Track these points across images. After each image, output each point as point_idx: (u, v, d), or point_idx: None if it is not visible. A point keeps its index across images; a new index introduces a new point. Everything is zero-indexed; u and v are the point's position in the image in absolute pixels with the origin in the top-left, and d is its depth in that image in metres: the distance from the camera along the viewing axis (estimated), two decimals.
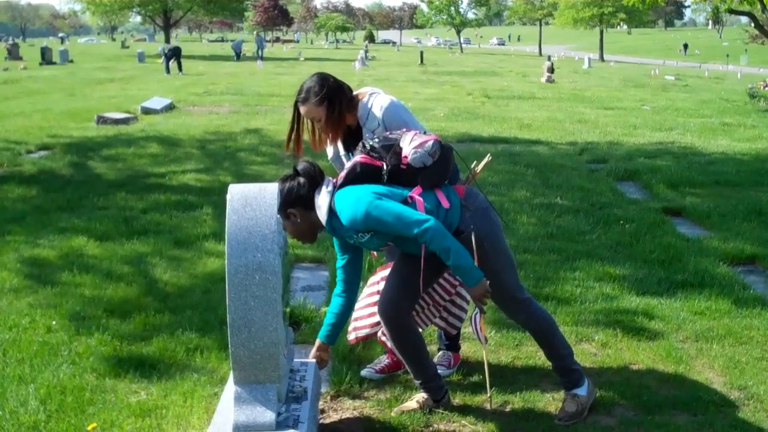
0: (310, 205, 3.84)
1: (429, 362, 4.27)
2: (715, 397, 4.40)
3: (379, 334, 4.40)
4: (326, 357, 4.23)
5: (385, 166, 3.90)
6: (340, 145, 4.50)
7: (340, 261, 4.12)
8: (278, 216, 3.40)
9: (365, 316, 4.33)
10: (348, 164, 3.98)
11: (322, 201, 3.81)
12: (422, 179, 3.88)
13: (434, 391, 4.23)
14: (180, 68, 35.45)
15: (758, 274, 6.86)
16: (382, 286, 4.23)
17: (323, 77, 4.30)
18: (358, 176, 3.87)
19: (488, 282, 3.76)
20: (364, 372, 4.63)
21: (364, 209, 3.69)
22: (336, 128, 4.33)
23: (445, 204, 3.88)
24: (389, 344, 4.41)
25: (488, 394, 3.97)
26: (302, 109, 4.30)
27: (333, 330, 4.17)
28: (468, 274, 3.72)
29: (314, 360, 4.12)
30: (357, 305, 4.36)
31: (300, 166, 3.87)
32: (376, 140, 3.98)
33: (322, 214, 3.80)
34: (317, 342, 4.21)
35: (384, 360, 4.70)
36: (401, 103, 4.42)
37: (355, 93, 4.41)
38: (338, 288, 4.15)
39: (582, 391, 4.17)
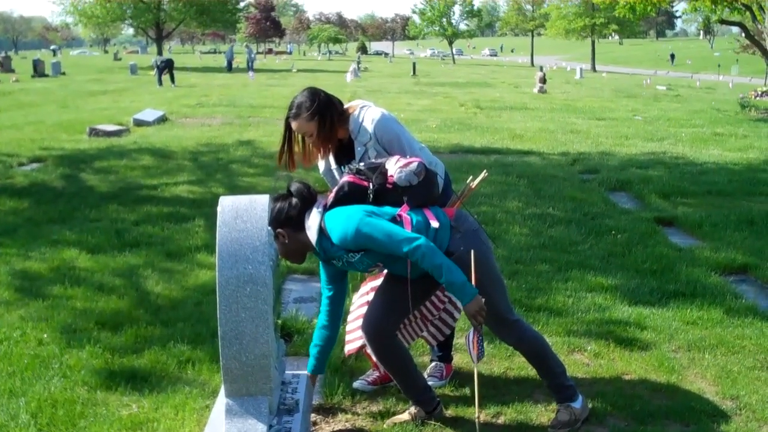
0: (300, 227, 3.85)
1: (417, 375, 4.26)
2: (707, 406, 4.40)
3: (366, 348, 4.39)
4: (313, 382, 4.25)
5: (371, 186, 3.92)
6: (331, 159, 4.50)
7: (326, 292, 4.15)
8: (269, 228, 3.40)
9: (357, 328, 4.32)
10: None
11: (312, 221, 3.82)
12: (409, 198, 3.90)
13: (426, 404, 4.22)
14: (173, 80, 35.43)
15: (750, 283, 6.87)
16: (371, 297, 4.24)
17: (314, 92, 4.30)
18: (347, 195, 3.89)
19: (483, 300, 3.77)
20: (356, 384, 4.62)
21: (355, 226, 3.70)
22: (327, 142, 4.34)
23: (434, 223, 3.88)
24: (374, 358, 4.41)
25: (476, 414, 3.95)
26: (294, 125, 4.29)
27: (320, 361, 4.20)
28: (462, 290, 3.72)
29: (306, 372, 4.12)
30: (349, 317, 4.36)
31: (293, 187, 3.88)
32: (362, 165, 4.02)
33: (312, 234, 3.81)
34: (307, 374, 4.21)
35: (376, 372, 4.69)
36: (392, 115, 4.42)
37: (345, 106, 4.41)
38: (322, 319, 4.17)
39: (576, 404, 4.17)
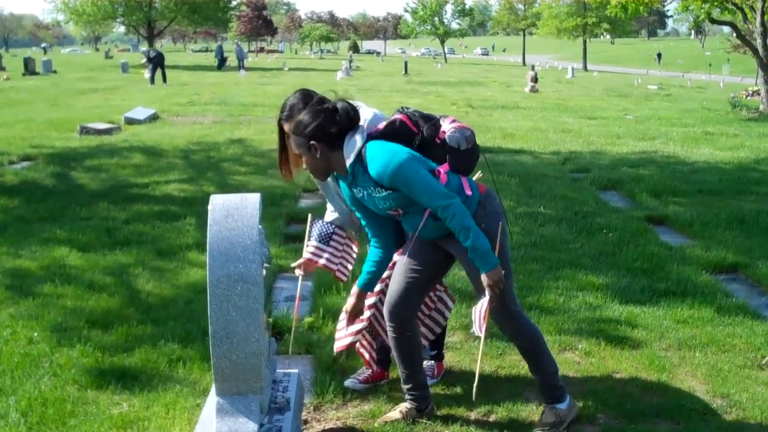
0: (336, 146, 3.80)
1: (422, 370, 4.27)
2: (697, 405, 4.42)
3: (357, 345, 4.39)
4: (360, 305, 4.20)
5: (421, 134, 3.88)
6: None
7: (362, 220, 4.12)
8: (260, 227, 3.39)
9: (346, 326, 4.31)
10: (326, 189, 4.02)
11: (353, 144, 3.77)
12: (451, 160, 3.86)
13: (420, 401, 4.22)
14: (164, 79, 35.33)
15: (740, 282, 6.89)
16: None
17: (306, 93, 4.26)
18: (395, 131, 3.85)
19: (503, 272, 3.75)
20: (347, 382, 4.62)
21: (397, 165, 3.66)
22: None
23: (468, 191, 3.88)
24: (366, 356, 4.40)
25: (475, 384, 3.92)
26: (286, 127, 4.22)
27: (371, 279, 4.17)
28: (486, 257, 3.72)
29: (296, 371, 4.11)
30: (341, 315, 4.35)
31: (339, 105, 3.82)
32: (414, 110, 3.96)
33: (349, 157, 3.77)
34: (355, 289, 4.21)
35: (367, 371, 4.69)
36: (383, 115, 4.40)
37: None
38: (371, 240, 4.18)
39: (562, 405, 4.15)
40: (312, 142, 3.77)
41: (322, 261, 4.51)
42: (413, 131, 3.88)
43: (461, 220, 3.68)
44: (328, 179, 4.36)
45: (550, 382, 4.17)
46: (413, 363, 4.21)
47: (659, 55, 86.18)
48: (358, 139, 3.79)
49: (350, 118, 3.82)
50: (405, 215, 3.94)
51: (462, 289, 6.25)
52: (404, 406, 4.25)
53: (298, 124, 3.80)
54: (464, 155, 3.90)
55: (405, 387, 4.26)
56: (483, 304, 3.85)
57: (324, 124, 3.76)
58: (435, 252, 4.04)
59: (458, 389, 4.60)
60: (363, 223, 4.14)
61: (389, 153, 3.70)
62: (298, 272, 4.55)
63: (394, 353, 4.24)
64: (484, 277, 3.77)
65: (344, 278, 4.67)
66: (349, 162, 3.78)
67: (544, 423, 4.12)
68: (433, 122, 3.94)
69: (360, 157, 3.78)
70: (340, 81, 39.24)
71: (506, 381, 4.72)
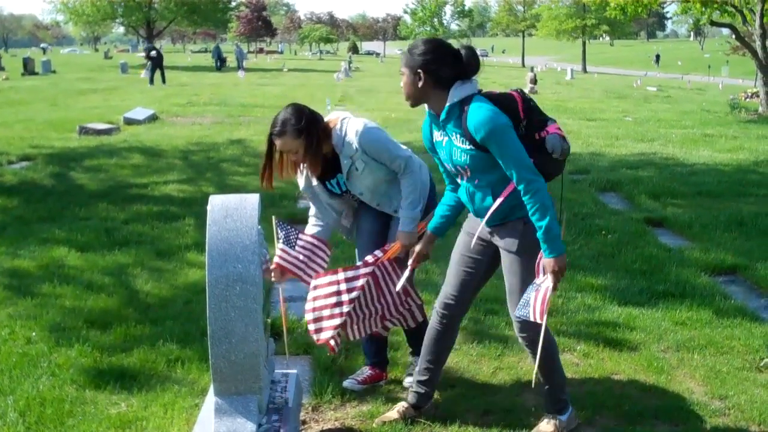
0: (443, 84, 3.78)
1: (441, 370, 4.35)
2: (696, 407, 4.42)
3: (379, 328, 4.38)
4: (428, 250, 4.22)
5: (527, 121, 3.83)
6: (314, 177, 4.43)
7: (439, 166, 4.09)
8: (259, 227, 3.39)
9: (327, 317, 4.16)
10: (316, 201, 4.15)
11: (464, 90, 3.76)
12: (537, 162, 3.81)
13: (423, 397, 4.25)
14: (163, 80, 35.30)
15: (739, 284, 6.89)
16: (344, 287, 4.16)
17: (298, 108, 4.22)
18: (505, 102, 3.79)
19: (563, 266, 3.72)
20: (346, 383, 4.62)
21: (499, 125, 3.65)
22: (316, 159, 4.25)
23: None
24: (333, 344, 4.22)
25: (534, 371, 3.88)
26: (278, 142, 4.18)
27: (444, 223, 4.18)
28: (554, 241, 3.70)
29: (295, 371, 4.10)
30: (316, 302, 4.19)
31: (464, 51, 3.80)
32: (531, 98, 3.93)
33: (455, 98, 3.74)
34: (427, 233, 4.20)
35: (366, 371, 4.69)
36: (375, 124, 4.37)
37: (326, 120, 4.35)
38: (447, 186, 4.17)
39: (563, 417, 4.14)
40: (419, 71, 3.75)
41: (288, 266, 4.35)
42: (520, 115, 3.81)
43: (542, 198, 3.68)
44: (315, 187, 4.37)
45: (556, 393, 4.15)
46: (439, 358, 4.26)
47: (657, 57, 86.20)
48: (470, 88, 3.78)
49: (470, 67, 3.81)
50: (469, 180, 3.91)
51: None
52: (401, 405, 4.26)
53: (415, 48, 3.78)
54: (552, 163, 3.85)
55: (418, 379, 4.28)
56: (546, 291, 3.73)
57: (441, 63, 3.76)
58: (486, 250, 4.05)
59: (456, 390, 4.59)
60: (440, 169, 4.09)
61: (494, 112, 3.68)
62: (273, 278, 4.39)
63: (425, 343, 4.27)
64: (549, 262, 3.70)
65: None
66: (450, 103, 3.76)
67: (541, 431, 4.10)
68: (543, 118, 3.89)
69: (462, 104, 3.75)
70: (340, 82, 39.19)
71: (504, 383, 4.72)
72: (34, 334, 5.27)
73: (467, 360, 4.98)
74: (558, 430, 4.09)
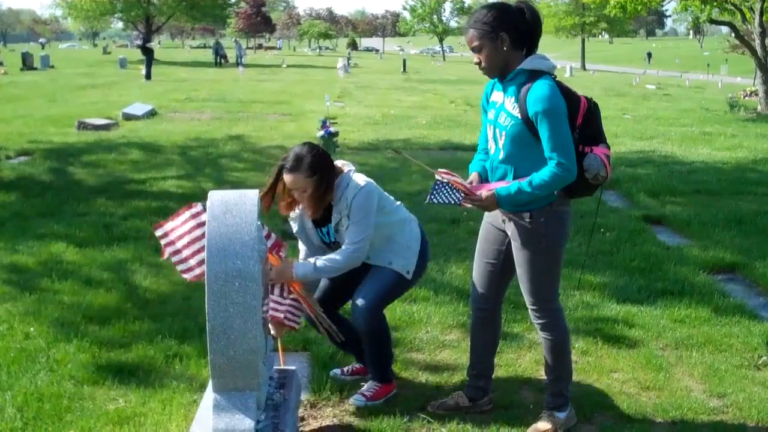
0: (519, 42, 3.78)
1: (491, 362, 4.43)
2: (694, 404, 4.42)
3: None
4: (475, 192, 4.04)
5: (580, 129, 3.83)
6: (309, 219, 4.33)
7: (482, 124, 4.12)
8: (258, 223, 3.38)
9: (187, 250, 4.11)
10: (309, 244, 4.18)
11: (539, 62, 3.76)
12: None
13: (475, 391, 4.36)
14: (149, 75, 34.69)
15: (738, 282, 6.89)
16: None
17: (314, 147, 4.14)
18: (573, 99, 3.79)
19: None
20: (332, 372, 4.71)
21: (557, 106, 3.66)
22: (321, 203, 4.16)
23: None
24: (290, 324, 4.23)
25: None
26: (288, 178, 4.08)
27: (484, 168, 4.11)
28: (509, 202, 3.78)
29: (294, 368, 4.10)
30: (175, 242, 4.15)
31: (524, 6, 3.79)
32: (597, 110, 3.92)
33: (529, 64, 3.75)
34: (472, 174, 4.14)
35: (355, 365, 4.73)
36: (374, 187, 4.25)
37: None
38: (478, 152, 4.22)
39: (561, 414, 4.14)
40: (502, 33, 3.73)
41: (284, 320, 4.21)
42: (578, 119, 3.81)
43: (556, 184, 3.71)
44: (308, 230, 4.34)
45: (559, 388, 4.16)
46: (484, 351, 4.35)
47: (649, 55, 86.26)
48: (547, 65, 3.79)
49: (534, 23, 3.79)
50: (497, 151, 3.92)
51: (459, 287, 6.26)
52: (458, 393, 4.38)
53: (482, 17, 3.76)
54: (581, 181, 3.83)
55: (470, 373, 4.40)
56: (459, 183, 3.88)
57: (515, 20, 3.75)
58: (504, 239, 4.07)
59: (455, 387, 4.59)
60: (481, 131, 4.11)
61: (556, 95, 3.69)
62: (273, 333, 4.25)
63: (470, 338, 4.39)
64: (489, 196, 3.78)
65: (295, 326, 4.34)
66: (522, 67, 3.76)
67: (538, 428, 4.10)
68: (598, 135, 3.89)
69: (532, 74, 3.75)
70: (341, 79, 39.17)
71: (502, 379, 4.71)
72: (32, 329, 5.26)
73: (465, 357, 4.97)
74: (555, 427, 4.09)
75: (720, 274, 7.03)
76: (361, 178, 4.23)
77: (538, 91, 3.68)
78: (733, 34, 28.47)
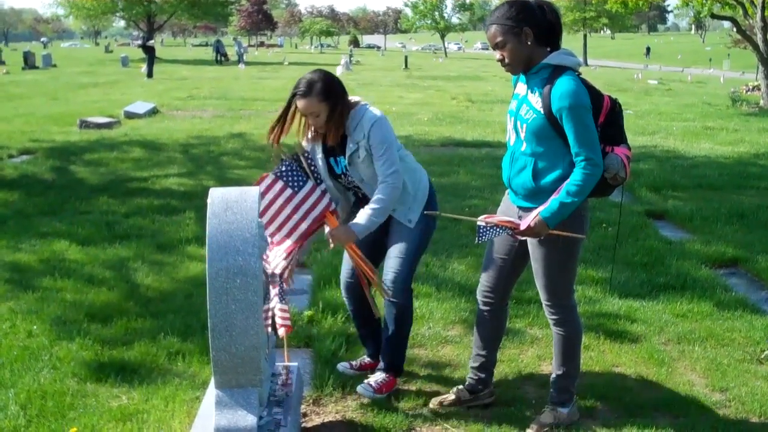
0: (542, 37, 3.77)
1: (493, 356, 4.43)
2: (696, 399, 4.42)
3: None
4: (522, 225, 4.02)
5: (603, 128, 3.84)
6: (319, 148, 4.31)
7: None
8: (259, 220, 3.38)
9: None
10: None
11: (568, 59, 3.78)
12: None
13: (476, 383, 4.37)
14: (150, 73, 34.78)
15: (740, 276, 6.89)
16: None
17: (327, 73, 4.15)
18: (596, 98, 3.82)
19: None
20: (339, 366, 4.70)
21: (582, 103, 3.67)
22: (338, 126, 4.15)
23: None
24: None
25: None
26: (301, 103, 4.08)
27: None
28: (557, 217, 3.72)
29: (296, 364, 4.10)
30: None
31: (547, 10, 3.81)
32: (620, 110, 3.94)
33: (554, 59, 3.75)
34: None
35: (365, 359, 4.72)
36: (388, 121, 4.28)
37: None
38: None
39: (564, 410, 4.14)
40: (526, 28, 3.73)
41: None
42: (600, 118, 3.83)
43: (589, 182, 3.68)
44: (318, 159, 4.29)
45: (565, 384, 4.15)
46: (487, 345, 4.34)
47: (648, 49, 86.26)
48: (572, 61, 3.80)
49: (552, 16, 3.81)
50: (518, 142, 3.92)
51: (461, 283, 6.26)
52: (458, 388, 4.38)
53: (505, 12, 3.76)
54: (600, 182, 3.79)
55: (471, 365, 4.40)
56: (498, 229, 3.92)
57: (536, 16, 3.75)
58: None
59: (457, 383, 4.59)
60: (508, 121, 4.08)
61: (581, 91, 3.70)
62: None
63: (474, 330, 4.38)
64: (539, 221, 3.75)
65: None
66: (547, 61, 3.76)
67: (541, 422, 4.10)
68: (619, 135, 3.90)
69: (556, 70, 3.76)
70: (342, 76, 39.13)
71: (505, 375, 4.72)
72: (35, 327, 5.27)
73: (468, 353, 4.97)
74: (557, 422, 4.09)
75: (722, 269, 7.02)
76: (377, 111, 4.24)
77: (563, 87, 3.68)
78: (735, 29, 28.41)
